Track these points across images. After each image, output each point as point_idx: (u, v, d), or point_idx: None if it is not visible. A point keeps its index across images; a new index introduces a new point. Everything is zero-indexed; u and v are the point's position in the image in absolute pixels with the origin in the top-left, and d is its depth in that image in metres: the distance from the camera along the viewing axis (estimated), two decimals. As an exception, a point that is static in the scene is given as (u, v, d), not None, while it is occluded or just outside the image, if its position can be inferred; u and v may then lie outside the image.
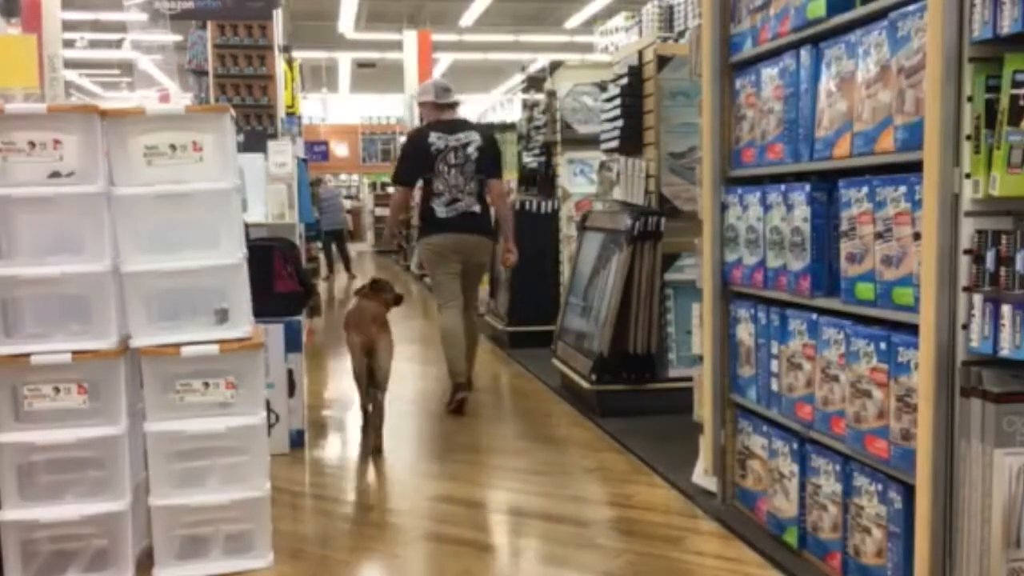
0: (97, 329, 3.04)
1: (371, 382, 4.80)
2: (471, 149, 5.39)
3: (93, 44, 18.54)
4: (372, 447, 4.69)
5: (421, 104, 5.66)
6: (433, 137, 5.37)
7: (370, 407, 4.85)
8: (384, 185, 22.59)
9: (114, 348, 3.02)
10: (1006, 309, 2.16)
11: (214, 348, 3.08)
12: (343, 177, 26.46)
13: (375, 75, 28.11)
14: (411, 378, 7.03)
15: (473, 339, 5.72)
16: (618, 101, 5.47)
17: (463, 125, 5.56)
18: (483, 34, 24.18)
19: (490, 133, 5.80)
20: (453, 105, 5.61)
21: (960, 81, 2.24)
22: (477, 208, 5.41)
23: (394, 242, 7.39)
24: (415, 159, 5.42)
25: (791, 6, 3.03)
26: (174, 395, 3.10)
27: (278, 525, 3.50)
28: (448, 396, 5.53)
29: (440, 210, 5.35)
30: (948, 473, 2.35)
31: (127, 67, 22.54)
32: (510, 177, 9.49)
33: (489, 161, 5.47)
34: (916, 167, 2.38)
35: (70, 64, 20.58)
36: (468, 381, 5.56)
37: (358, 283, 6.52)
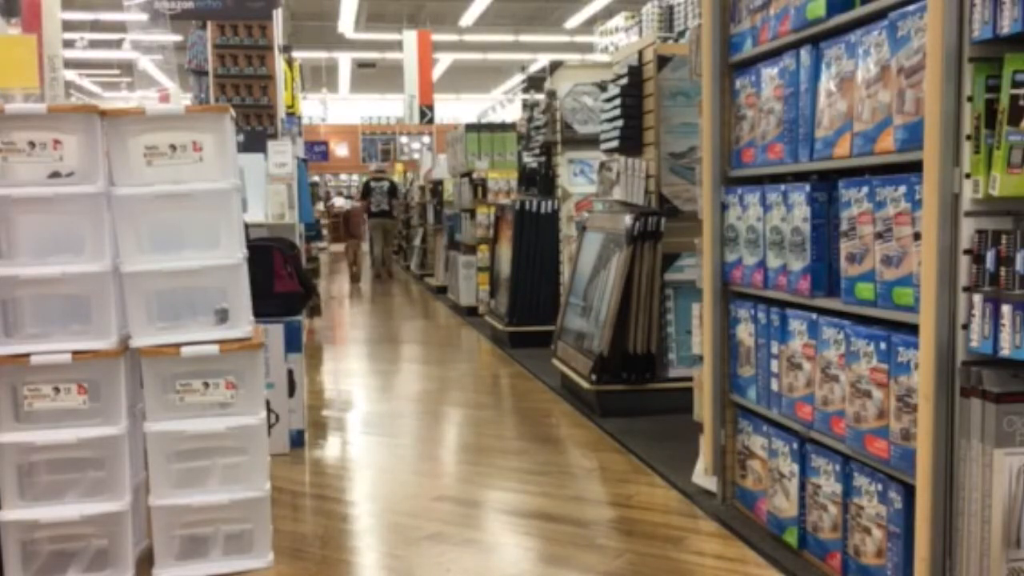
0: (97, 329, 3.04)
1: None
2: (386, 187, 14.86)
3: (93, 44, 18.54)
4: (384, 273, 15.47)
5: (369, 171, 16.62)
6: (371, 181, 14.90)
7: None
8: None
9: (114, 348, 3.03)
10: (1006, 309, 2.16)
11: (214, 348, 3.08)
12: (343, 177, 26.46)
13: (375, 75, 28.13)
14: (411, 378, 7.03)
15: (389, 262, 15.66)
16: (618, 101, 5.47)
17: (384, 177, 15.32)
18: (483, 34, 24.20)
19: (393, 179, 16.28)
20: (383, 171, 16.09)
21: (960, 81, 2.24)
22: (387, 207, 14.88)
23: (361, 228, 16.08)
24: (366, 189, 14.92)
25: (791, 6, 3.03)
26: (174, 395, 3.10)
27: (278, 525, 3.50)
28: (372, 274, 15.82)
29: (373, 207, 14.76)
30: (948, 473, 2.35)
31: (127, 67, 22.55)
32: (509, 176, 9.53)
33: (394, 191, 15.26)
34: (916, 167, 2.38)
35: (70, 64, 20.59)
36: (388, 273, 15.50)
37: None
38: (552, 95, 7.61)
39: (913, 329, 2.42)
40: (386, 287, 14.45)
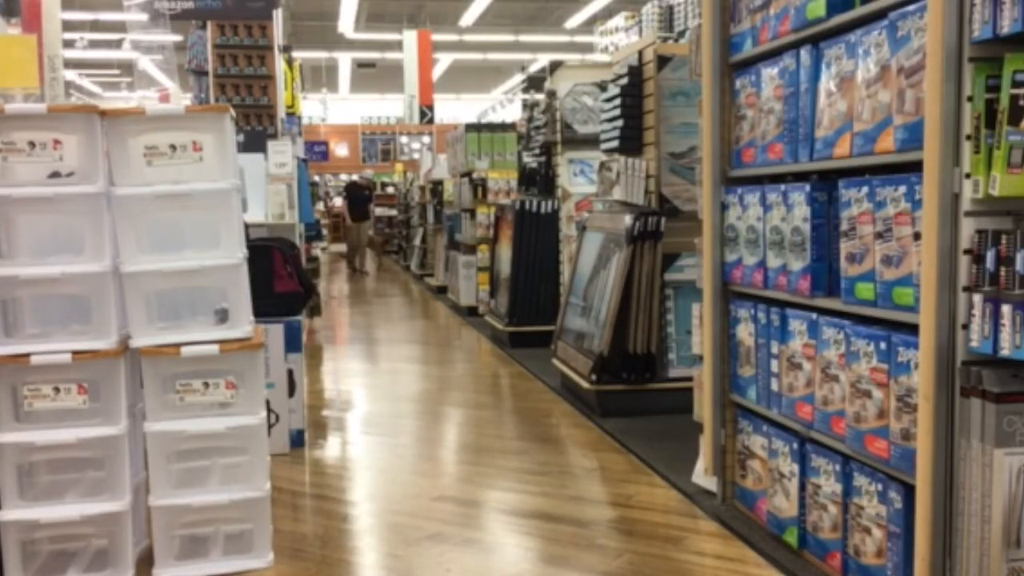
0: (97, 329, 3.04)
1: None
2: (366, 192, 18.40)
3: (93, 44, 18.54)
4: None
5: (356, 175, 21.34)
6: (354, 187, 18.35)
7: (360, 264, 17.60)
8: (384, 185, 22.69)
9: (114, 348, 3.03)
10: (1006, 309, 2.16)
11: (214, 348, 3.08)
12: (343, 177, 26.49)
13: (375, 75, 28.14)
14: (411, 378, 7.03)
15: (363, 257, 17.96)
16: (618, 101, 5.47)
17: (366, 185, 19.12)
18: (483, 34, 24.21)
19: (355, 178, 19.91)
20: (363, 179, 19.50)
21: (960, 81, 2.24)
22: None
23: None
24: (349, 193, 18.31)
25: (791, 6, 3.03)
26: (174, 395, 3.10)
27: (278, 525, 3.50)
28: (360, 269, 17.44)
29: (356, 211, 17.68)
30: (948, 473, 2.35)
31: (127, 67, 22.55)
32: (509, 176, 9.53)
33: (371, 196, 19.11)
34: (916, 167, 2.38)
35: (70, 64, 20.59)
36: (362, 271, 17.46)
37: None
38: (552, 95, 7.61)
39: (913, 329, 2.42)
40: (388, 288, 14.65)
